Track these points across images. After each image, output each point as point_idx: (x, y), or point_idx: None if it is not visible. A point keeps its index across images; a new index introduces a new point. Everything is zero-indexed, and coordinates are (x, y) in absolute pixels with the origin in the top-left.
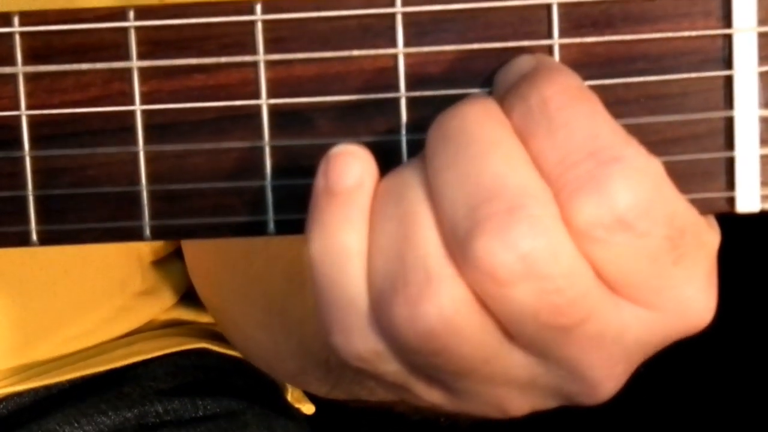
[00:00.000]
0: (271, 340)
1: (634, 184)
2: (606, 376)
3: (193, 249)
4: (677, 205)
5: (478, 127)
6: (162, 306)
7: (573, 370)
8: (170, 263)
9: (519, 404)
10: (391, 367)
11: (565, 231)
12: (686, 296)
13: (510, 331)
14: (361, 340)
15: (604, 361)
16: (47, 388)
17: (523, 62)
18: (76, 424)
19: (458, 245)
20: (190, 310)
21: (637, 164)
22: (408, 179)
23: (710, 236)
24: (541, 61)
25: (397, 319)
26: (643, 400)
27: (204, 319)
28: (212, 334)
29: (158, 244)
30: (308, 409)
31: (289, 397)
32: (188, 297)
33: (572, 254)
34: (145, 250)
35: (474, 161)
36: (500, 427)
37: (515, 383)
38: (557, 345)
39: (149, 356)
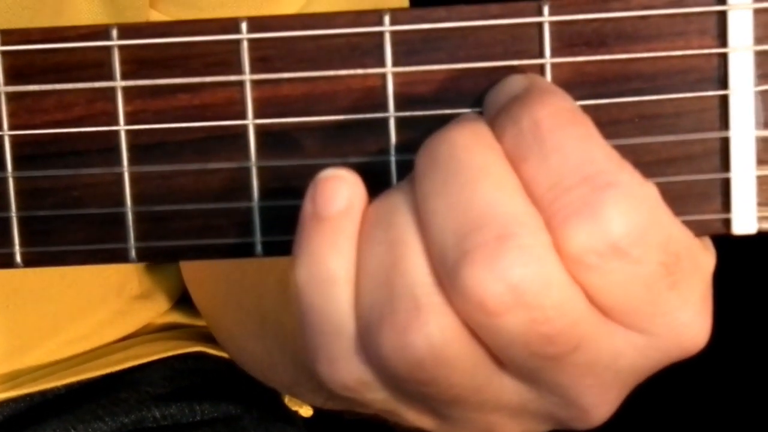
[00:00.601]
0: (265, 350)
1: (629, 211)
2: (599, 401)
3: (185, 267)
4: (672, 230)
5: (468, 153)
6: (158, 310)
7: (565, 396)
8: (166, 266)
9: (510, 429)
10: (378, 395)
11: (557, 259)
12: (681, 321)
13: (501, 359)
14: (346, 370)
15: (597, 387)
16: (43, 393)
17: (515, 83)
18: (72, 430)
19: (447, 274)
20: (187, 313)
21: (632, 190)
22: (397, 204)
23: (705, 258)
24: (532, 81)
25: (385, 349)
26: (637, 420)
27: (201, 322)
28: (209, 337)
29: None
30: (306, 411)
31: (286, 400)
32: (185, 300)
33: (563, 283)
34: None
35: (463, 188)
36: None
37: (506, 409)
38: (549, 373)
39: (146, 360)
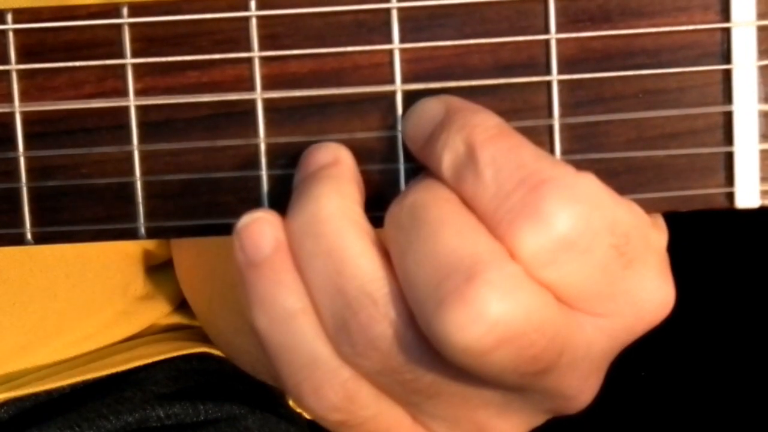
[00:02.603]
0: (251, 344)
1: (568, 201)
2: (581, 389)
3: (179, 257)
4: (616, 211)
5: (425, 210)
6: (163, 310)
7: (550, 394)
8: (171, 267)
9: (501, 427)
10: (369, 410)
11: (527, 281)
12: (641, 297)
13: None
14: (333, 391)
15: (578, 378)
16: (48, 392)
17: (431, 108)
18: (77, 428)
19: (427, 327)
20: (192, 314)
21: (567, 181)
22: (311, 215)
23: (656, 235)
24: (449, 104)
25: (359, 347)
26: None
27: None
28: None
29: (159, 249)
30: None
31: (290, 402)
32: None
33: (538, 303)
34: (146, 254)
35: (426, 243)
36: None
37: (492, 407)
38: (535, 382)
39: (150, 360)
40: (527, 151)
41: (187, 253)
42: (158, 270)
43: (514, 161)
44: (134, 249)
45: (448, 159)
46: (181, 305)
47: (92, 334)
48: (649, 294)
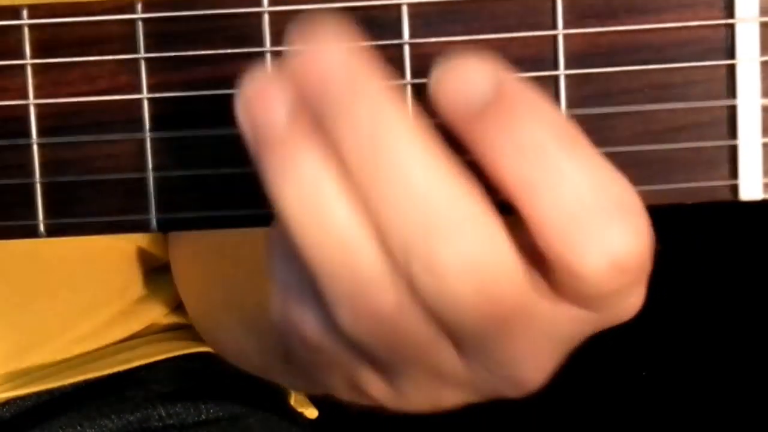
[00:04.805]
0: (233, 337)
1: (635, 231)
2: (535, 370)
3: (175, 254)
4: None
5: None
6: (162, 310)
7: (504, 366)
8: (170, 269)
9: (450, 398)
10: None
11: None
12: (630, 302)
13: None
14: (381, 296)
15: (534, 356)
16: (50, 392)
17: (479, 81)
18: (78, 428)
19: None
20: None
21: (636, 208)
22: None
23: None
24: (501, 80)
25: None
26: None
27: None
28: None
29: (159, 251)
30: (311, 413)
31: (292, 402)
32: None
33: (512, 258)
34: (147, 256)
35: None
36: None
37: (452, 379)
38: (492, 341)
39: (152, 360)
40: (599, 164)
41: (182, 251)
42: (157, 272)
43: (592, 180)
44: (135, 251)
45: (512, 151)
46: (182, 305)
47: (92, 334)
48: (637, 298)
